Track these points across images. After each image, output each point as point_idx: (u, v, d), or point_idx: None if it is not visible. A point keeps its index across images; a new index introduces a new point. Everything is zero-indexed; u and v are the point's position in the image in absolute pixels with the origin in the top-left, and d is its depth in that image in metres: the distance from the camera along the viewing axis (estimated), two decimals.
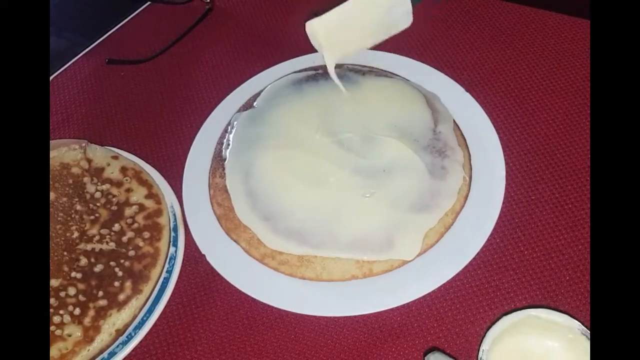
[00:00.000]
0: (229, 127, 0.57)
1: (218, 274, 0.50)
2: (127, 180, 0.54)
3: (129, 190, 0.53)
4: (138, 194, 0.53)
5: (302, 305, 0.47)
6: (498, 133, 0.54)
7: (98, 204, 0.53)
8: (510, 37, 0.63)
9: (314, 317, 0.47)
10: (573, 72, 0.59)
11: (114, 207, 0.52)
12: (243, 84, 0.62)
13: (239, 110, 0.59)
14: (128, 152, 0.58)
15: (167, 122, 0.62)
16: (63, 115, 0.64)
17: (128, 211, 0.52)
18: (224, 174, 0.54)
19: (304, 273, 0.48)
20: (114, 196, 0.53)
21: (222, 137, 0.57)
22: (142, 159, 0.58)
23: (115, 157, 0.56)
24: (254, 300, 0.48)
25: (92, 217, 0.52)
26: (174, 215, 0.53)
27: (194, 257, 0.52)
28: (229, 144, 0.55)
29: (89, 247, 0.50)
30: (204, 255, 0.51)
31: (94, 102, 0.65)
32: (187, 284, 0.51)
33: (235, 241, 0.51)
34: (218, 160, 0.55)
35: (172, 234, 0.52)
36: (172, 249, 0.51)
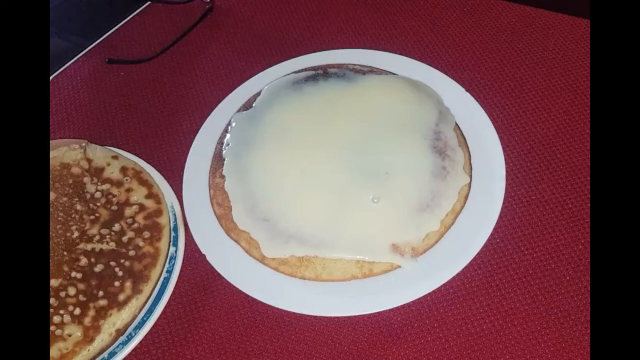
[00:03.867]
0: (229, 127, 0.57)
1: (218, 274, 0.50)
2: (127, 180, 0.54)
3: (129, 190, 0.53)
4: (138, 194, 0.53)
5: (302, 305, 0.47)
6: (498, 133, 0.54)
7: (98, 204, 0.52)
8: (510, 37, 0.63)
9: (314, 317, 0.47)
10: (573, 72, 0.59)
11: (114, 207, 0.52)
12: (243, 84, 0.62)
13: (239, 110, 0.59)
14: (128, 152, 0.58)
15: (167, 122, 0.62)
16: (63, 115, 0.64)
17: (128, 211, 0.52)
18: (224, 174, 0.54)
19: (304, 273, 0.48)
20: (114, 196, 0.53)
21: (222, 137, 0.57)
22: (142, 159, 0.58)
23: (115, 157, 0.56)
24: (254, 300, 0.48)
25: (92, 217, 0.52)
26: (174, 215, 0.53)
27: (194, 257, 0.52)
28: (228, 144, 0.55)
29: (89, 247, 0.50)
30: (204, 255, 0.51)
31: (94, 102, 0.65)
32: (188, 284, 0.51)
33: (235, 241, 0.51)
34: (218, 160, 0.55)
35: (173, 233, 0.52)
36: (172, 249, 0.51)
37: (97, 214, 0.52)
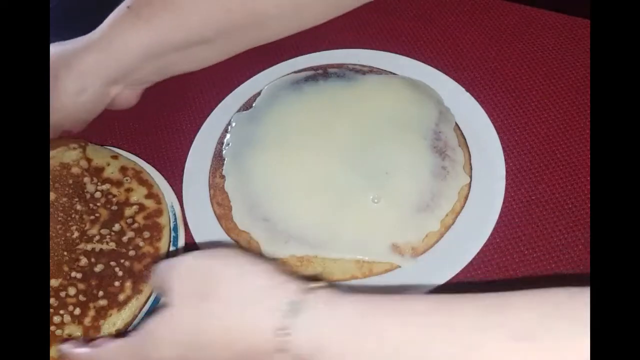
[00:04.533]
0: (229, 127, 0.57)
1: None
2: (127, 180, 0.54)
3: (129, 190, 0.53)
4: (138, 194, 0.53)
5: None
6: (498, 133, 0.54)
7: (98, 204, 0.52)
8: (511, 37, 0.63)
9: None
10: (573, 72, 0.59)
11: (114, 207, 0.52)
12: (243, 84, 0.62)
13: (239, 110, 0.59)
14: (128, 152, 0.58)
15: (167, 122, 0.62)
16: None
17: (128, 211, 0.52)
18: (224, 174, 0.54)
19: (304, 273, 0.48)
20: (114, 196, 0.53)
21: (222, 137, 0.57)
22: (142, 159, 0.58)
23: (115, 157, 0.56)
24: None
25: (92, 217, 0.52)
26: (174, 214, 0.53)
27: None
28: (228, 144, 0.55)
29: (89, 247, 0.50)
30: None
31: None
32: None
33: (235, 241, 0.51)
34: (218, 160, 0.55)
35: (173, 233, 0.52)
36: (172, 249, 0.51)
37: (97, 214, 0.52)
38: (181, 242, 0.52)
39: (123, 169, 0.55)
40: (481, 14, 0.66)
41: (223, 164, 0.54)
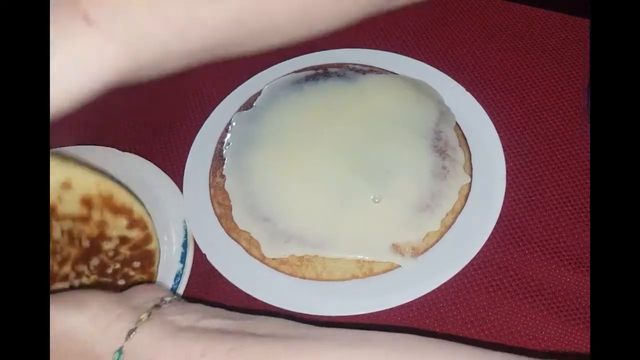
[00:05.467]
0: (229, 127, 0.57)
1: (218, 274, 0.50)
2: (94, 213, 0.40)
3: (101, 224, 0.41)
4: (116, 228, 0.41)
5: (302, 304, 0.47)
6: (498, 133, 0.54)
7: (60, 244, 0.40)
8: (510, 37, 0.63)
9: (314, 316, 0.47)
10: (573, 72, 0.59)
11: (86, 243, 0.41)
12: (243, 84, 0.62)
13: (239, 110, 0.59)
14: (128, 152, 0.58)
15: (167, 122, 0.62)
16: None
17: (107, 245, 0.42)
18: (224, 174, 0.54)
19: (304, 272, 0.48)
20: (81, 232, 0.41)
21: (223, 136, 0.57)
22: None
23: (67, 185, 0.38)
24: (254, 299, 0.48)
25: (58, 259, 0.40)
26: (185, 229, 0.51)
27: (194, 256, 0.52)
28: (229, 144, 0.56)
29: (67, 285, 0.43)
30: (204, 255, 0.51)
31: (93, 102, 0.65)
32: (188, 283, 0.51)
33: (235, 240, 0.51)
34: (218, 160, 0.55)
35: (182, 249, 0.50)
36: (179, 266, 0.49)
37: (63, 254, 0.41)
38: (189, 259, 0.50)
39: (85, 202, 0.39)
40: (482, 14, 0.66)
41: (223, 164, 0.54)
